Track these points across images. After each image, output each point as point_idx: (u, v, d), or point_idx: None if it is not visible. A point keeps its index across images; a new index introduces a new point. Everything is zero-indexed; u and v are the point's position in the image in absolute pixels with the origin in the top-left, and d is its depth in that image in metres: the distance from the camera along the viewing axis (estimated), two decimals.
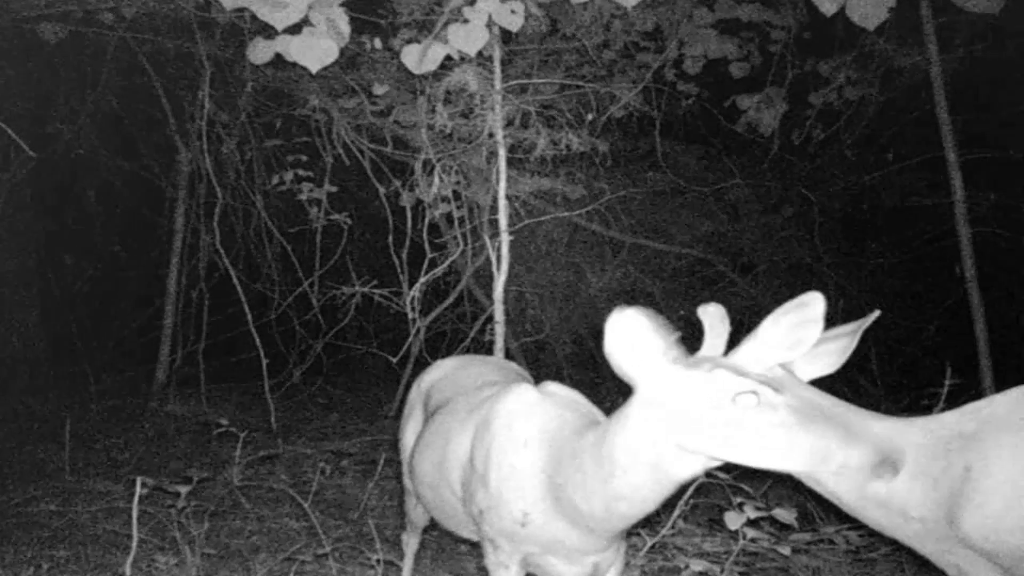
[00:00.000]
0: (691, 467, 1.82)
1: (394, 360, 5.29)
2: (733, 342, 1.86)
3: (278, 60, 3.40)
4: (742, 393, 1.68)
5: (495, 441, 2.20)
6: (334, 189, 5.71)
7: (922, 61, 5.02)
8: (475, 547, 2.67)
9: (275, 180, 5.83)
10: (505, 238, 4.39)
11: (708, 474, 2.93)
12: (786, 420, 1.66)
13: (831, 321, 2.01)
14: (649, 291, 6.37)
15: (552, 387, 2.34)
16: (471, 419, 2.39)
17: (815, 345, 1.76)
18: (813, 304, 1.72)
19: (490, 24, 3.41)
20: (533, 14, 4.01)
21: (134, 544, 2.98)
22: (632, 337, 1.74)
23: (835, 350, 1.88)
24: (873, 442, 1.65)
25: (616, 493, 1.92)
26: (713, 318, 1.87)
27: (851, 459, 1.63)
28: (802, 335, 1.72)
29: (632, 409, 1.86)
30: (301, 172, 5.68)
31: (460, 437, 2.40)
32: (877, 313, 1.82)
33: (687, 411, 1.74)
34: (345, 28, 3.18)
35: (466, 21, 3.37)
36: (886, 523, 1.81)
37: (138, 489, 2.98)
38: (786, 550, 3.03)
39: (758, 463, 1.71)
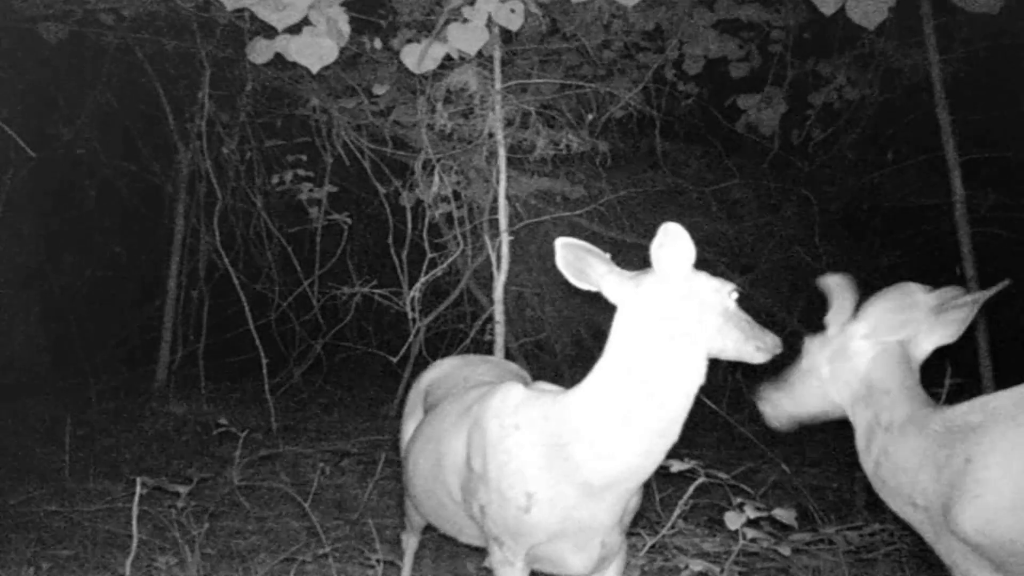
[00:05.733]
0: (690, 359, 2.01)
1: (394, 360, 5.29)
2: None
3: (278, 60, 3.40)
4: (733, 289, 2.07)
5: (487, 435, 2.21)
6: (334, 189, 5.71)
7: (922, 61, 5.02)
8: (475, 548, 2.67)
9: (275, 180, 5.83)
10: (505, 238, 4.38)
11: (708, 474, 2.95)
12: (738, 312, 2.10)
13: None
14: None
15: (543, 385, 2.38)
16: (463, 422, 2.38)
17: (937, 316, 2.03)
18: (912, 293, 2.03)
19: (490, 24, 3.41)
20: (533, 14, 4.00)
21: (134, 544, 2.98)
22: (684, 243, 2.04)
23: (955, 320, 2.05)
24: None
25: (630, 409, 2.00)
26: (838, 288, 2.19)
27: (766, 339, 2.06)
28: (905, 318, 2.03)
29: (632, 316, 2.06)
30: (301, 172, 5.68)
31: (453, 441, 2.39)
32: (1006, 282, 2.00)
33: (702, 301, 2.04)
34: (345, 28, 3.18)
35: (466, 21, 3.37)
36: (904, 511, 1.87)
37: (138, 489, 2.98)
38: (786, 550, 3.03)
39: (728, 340, 2.05)
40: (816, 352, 2.21)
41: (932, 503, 1.77)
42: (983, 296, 2.01)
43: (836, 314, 2.19)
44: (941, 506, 1.74)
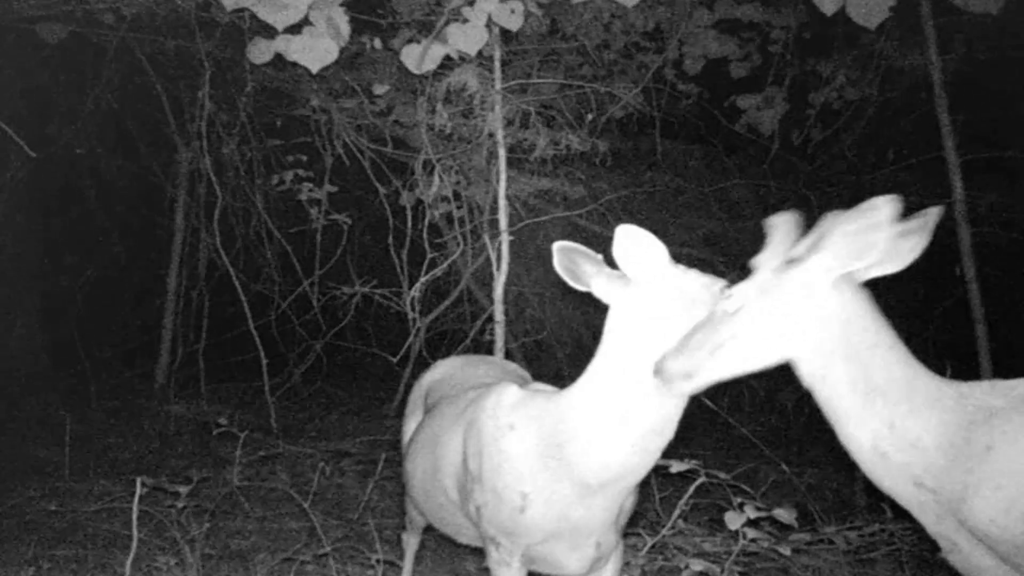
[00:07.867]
0: None
1: (394, 360, 5.29)
2: None
3: (278, 60, 3.40)
4: (724, 286, 1.96)
5: (482, 436, 2.22)
6: (334, 189, 5.71)
7: (922, 61, 5.02)
8: (475, 548, 2.67)
9: (275, 180, 5.83)
10: (505, 238, 4.38)
11: (708, 474, 2.95)
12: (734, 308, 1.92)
13: None
14: None
15: (538, 385, 2.40)
16: (459, 423, 2.40)
17: (896, 240, 1.73)
18: (879, 208, 1.68)
19: (490, 24, 3.41)
20: (533, 14, 4.01)
21: (134, 544, 2.98)
22: (643, 242, 1.99)
23: (905, 248, 1.77)
24: None
25: (626, 408, 2.00)
26: (784, 225, 1.89)
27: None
28: (869, 240, 1.70)
29: (624, 315, 2.05)
30: (301, 172, 5.68)
31: (450, 442, 2.41)
32: (940, 209, 1.74)
33: (694, 299, 1.97)
34: (345, 28, 3.18)
35: (466, 21, 3.37)
36: (899, 489, 1.76)
37: (138, 489, 2.98)
38: (786, 550, 3.03)
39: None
40: (757, 300, 1.81)
41: (944, 486, 1.67)
42: (934, 216, 1.73)
43: (770, 253, 1.84)
44: (957, 492, 1.67)
